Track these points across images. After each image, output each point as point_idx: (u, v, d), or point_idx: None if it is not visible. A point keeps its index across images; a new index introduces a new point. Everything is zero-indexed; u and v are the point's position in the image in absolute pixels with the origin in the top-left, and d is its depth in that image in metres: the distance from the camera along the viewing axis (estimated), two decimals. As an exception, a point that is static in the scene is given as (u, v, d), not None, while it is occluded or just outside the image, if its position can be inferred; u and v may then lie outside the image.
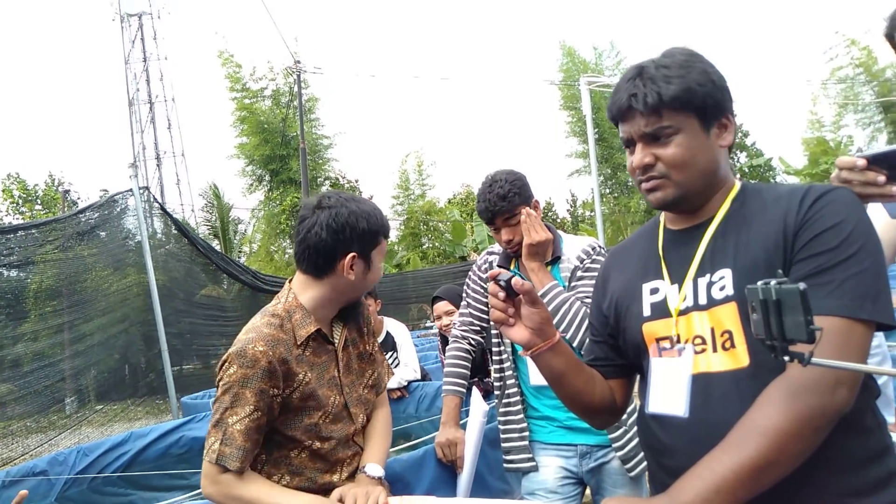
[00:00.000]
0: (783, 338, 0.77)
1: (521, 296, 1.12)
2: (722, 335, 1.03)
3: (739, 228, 1.06)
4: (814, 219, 0.98)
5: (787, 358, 0.78)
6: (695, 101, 1.04)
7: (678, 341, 1.08)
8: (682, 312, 1.08)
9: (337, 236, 1.47)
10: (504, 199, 1.95)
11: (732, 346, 1.01)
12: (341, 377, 1.56)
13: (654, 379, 1.11)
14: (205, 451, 1.42)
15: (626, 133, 1.09)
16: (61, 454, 3.19)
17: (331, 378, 1.53)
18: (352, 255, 1.49)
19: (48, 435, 6.35)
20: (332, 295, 1.53)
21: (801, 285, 0.74)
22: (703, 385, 1.03)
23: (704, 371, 1.04)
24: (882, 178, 1.08)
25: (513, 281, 1.11)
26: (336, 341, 1.58)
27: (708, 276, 1.06)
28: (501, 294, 1.13)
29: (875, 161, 1.09)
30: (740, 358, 1.00)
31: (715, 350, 1.03)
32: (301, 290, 1.53)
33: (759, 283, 0.78)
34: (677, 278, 1.11)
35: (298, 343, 1.47)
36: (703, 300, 1.06)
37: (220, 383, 1.43)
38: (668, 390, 1.08)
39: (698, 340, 1.05)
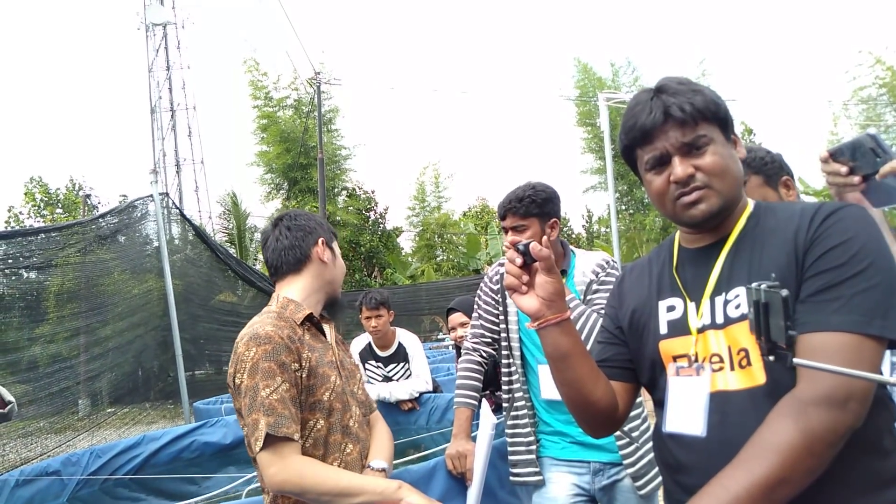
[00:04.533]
0: (769, 338, 0.79)
1: (537, 263, 1.11)
2: (738, 353, 1.03)
3: (753, 247, 1.06)
4: (823, 236, 0.98)
5: (772, 357, 0.80)
6: (719, 113, 1.08)
7: (696, 360, 1.08)
8: (700, 331, 1.08)
9: (302, 230, 1.69)
10: (519, 201, 1.96)
11: (749, 364, 1.01)
12: (339, 364, 1.66)
13: (671, 398, 1.11)
14: (253, 442, 1.43)
15: (659, 149, 1.08)
16: (75, 455, 3.22)
17: (329, 361, 1.62)
18: (321, 239, 1.70)
19: (66, 436, 6.41)
20: (315, 283, 1.69)
21: (784, 292, 0.77)
22: (720, 403, 1.03)
23: (722, 389, 1.03)
24: (844, 169, 1.20)
25: (531, 246, 1.10)
26: (329, 337, 1.70)
27: (724, 294, 1.06)
28: (518, 260, 1.12)
29: (837, 153, 1.22)
30: (756, 376, 1.00)
31: (732, 368, 1.03)
32: (287, 290, 1.68)
33: (753, 284, 0.81)
34: (695, 297, 1.11)
35: (297, 326, 1.60)
36: (719, 319, 1.06)
37: (243, 369, 1.48)
38: (685, 409, 1.07)
39: (716, 359, 1.05)
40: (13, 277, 6.08)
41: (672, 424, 1.09)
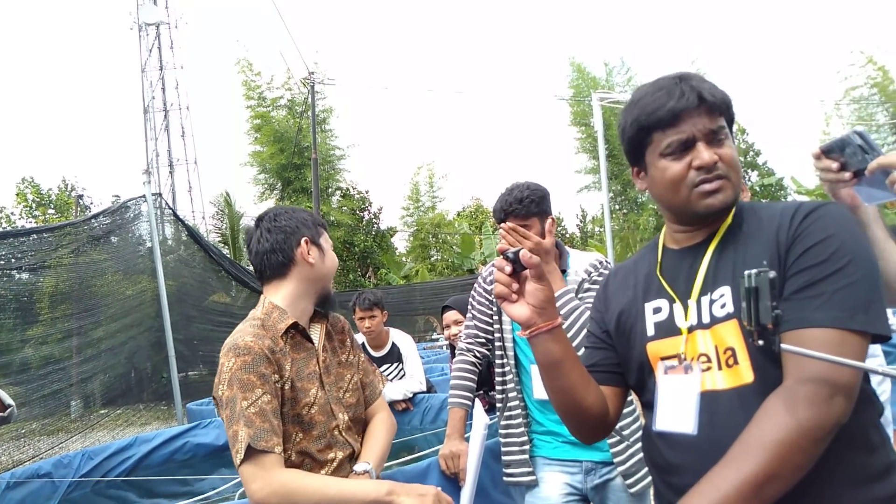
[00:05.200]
0: (758, 323, 0.81)
1: (527, 271, 1.09)
2: (725, 352, 1.03)
3: (737, 246, 1.07)
4: (804, 234, 0.99)
5: (760, 342, 0.82)
6: (731, 110, 1.10)
7: (685, 359, 1.08)
8: (688, 331, 1.09)
9: (282, 231, 1.61)
10: (520, 203, 1.97)
11: (736, 362, 1.02)
12: (322, 374, 1.61)
13: (661, 397, 1.11)
14: (234, 455, 1.40)
15: (686, 133, 1.06)
16: (66, 457, 3.20)
17: (311, 373, 1.58)
18: (305, 239, 1.61)
19: (59, 438, 6.37)
20: (302, 286, 1.63)
21: (772, 273, 0.79)
22: (708, 403, 1.03)
23: (710, 389, 1.04)
24: (836, 166, 1.22)
25: (521, 254, 1.08)
26: (315, 341, 1.65)
27: (709, 294, 1.07)
28: (508, 268, 1.10)
29: (829, 150, 1.24)
30: (744, 374, 1.00)
31: (720, 368, 1.03)
32: (273, 295, 1.62)
33: (746, 272, 0.83)
34: (681, 297, 1.11)
35: (279, 337, 1.55)
36: (705, 318, 1.06)
37: (223, 380, 1.46)
38: (676, 408, 1.07)
39: (703, 359, 1.06)
40: (5, 279, 6.03)
41: (662, 423, 1.09)
